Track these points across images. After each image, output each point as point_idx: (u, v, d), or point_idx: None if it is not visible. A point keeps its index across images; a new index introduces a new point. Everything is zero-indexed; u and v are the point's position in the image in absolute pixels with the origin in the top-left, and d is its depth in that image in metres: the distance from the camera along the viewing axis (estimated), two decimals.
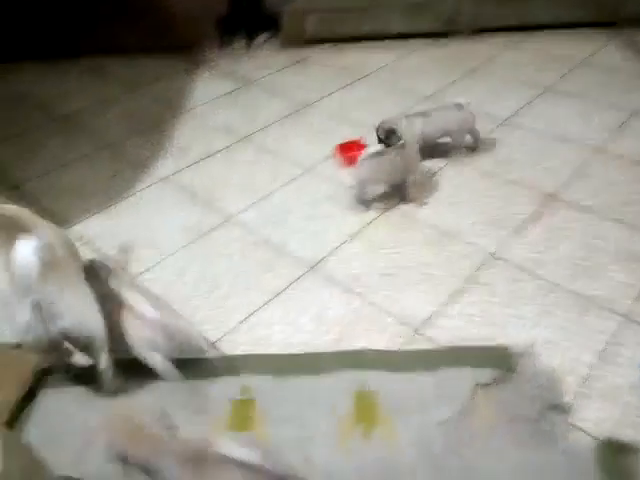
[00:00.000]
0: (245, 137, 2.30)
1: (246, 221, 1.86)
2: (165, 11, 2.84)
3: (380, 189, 1.91)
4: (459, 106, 2.02)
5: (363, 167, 1.80)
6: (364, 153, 1.81)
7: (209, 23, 2.96)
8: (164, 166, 2.14)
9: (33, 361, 1.35)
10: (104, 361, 1.28)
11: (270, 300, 1.57)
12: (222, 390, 1.32)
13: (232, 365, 1.38)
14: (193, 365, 1.38)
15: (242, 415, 1.27)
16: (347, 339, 1.44)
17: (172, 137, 2.32)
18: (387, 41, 3.01)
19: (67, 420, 1.27)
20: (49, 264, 1.16)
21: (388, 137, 1.86)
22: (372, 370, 1.35)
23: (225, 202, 1.94)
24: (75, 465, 1.17)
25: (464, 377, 1.31)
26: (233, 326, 1.49)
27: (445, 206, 1.87)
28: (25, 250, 1.15)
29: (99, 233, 1.82)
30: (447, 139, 2.07)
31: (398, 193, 1.90)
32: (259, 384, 1.33)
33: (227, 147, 2.24)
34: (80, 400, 1.31)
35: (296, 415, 1.27)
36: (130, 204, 1.95)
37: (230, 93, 2.65)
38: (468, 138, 2.09)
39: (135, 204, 1.95)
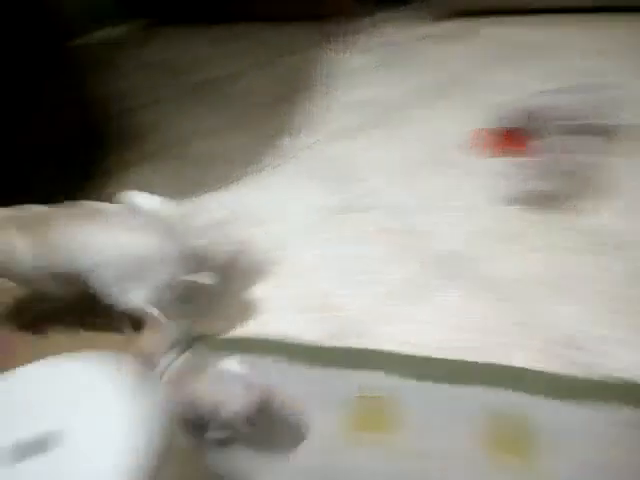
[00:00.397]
0: (391, 114, 2.18)
1: (386, 206, 1.75)
2: None
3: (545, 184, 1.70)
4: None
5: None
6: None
7: None
8: (302, 140, 2.09)
9: None
10: None
11: (411, 295, 1.46)
12: (351, 383, 1.26)
13: (361, 359, 1.31)
14: (320, 352, 1.33)
15: (371, 414, 1.20)
16: (493, 351, 1.30)
17: (312, 110, 2.26)
18: (562, 15, 2.68)
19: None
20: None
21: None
22: (523, 392, 1.20)
23: (365, 183, 1.85)
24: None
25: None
26: (367, 318, 1.41)
27: (620, 210, 1.62)
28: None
29: (235, 204, 1.82)
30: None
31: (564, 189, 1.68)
32: (392, 384, 1.25)
33: (370, 123, 2.14)
34: None
35: (431, 426, 1.18)
36: (265, 177, 1.93)
37: (377, 66, 2.53)
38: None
39: (271, 177, 1.92)
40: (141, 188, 1.87)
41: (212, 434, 1.08)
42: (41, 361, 0.99)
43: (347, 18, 2.87)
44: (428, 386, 1.25)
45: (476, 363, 1.27)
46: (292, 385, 1.26)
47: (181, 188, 1.89)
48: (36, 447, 0.83)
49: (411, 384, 1.25)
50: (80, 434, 0.85)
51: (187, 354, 1.26)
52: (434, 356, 1.30)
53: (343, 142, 2.05)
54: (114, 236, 1.22)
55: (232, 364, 1.11)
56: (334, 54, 2.61)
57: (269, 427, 1.16)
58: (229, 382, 1.09)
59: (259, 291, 1.52)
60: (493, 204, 1.69)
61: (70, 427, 0.86)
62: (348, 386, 1.25)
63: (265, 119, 2.21)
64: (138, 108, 2.32)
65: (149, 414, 0.88)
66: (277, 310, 1.47)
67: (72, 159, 1.73)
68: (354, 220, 1.71)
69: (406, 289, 1.47)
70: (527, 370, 1.24)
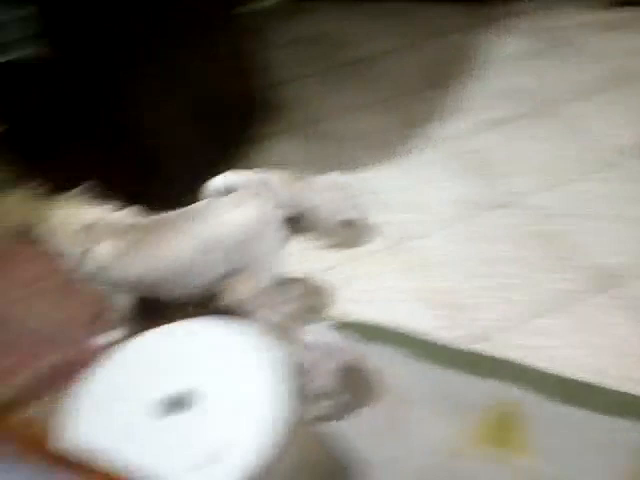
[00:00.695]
0: (545, 107, 2.00)
1: (534, 207, 1.62)
2: None
3: None
4: None
5: None
6: None
7: None
8: (452, 126, 1.98)
9: None
10: None
11: (555, 308, 1.34)
12: (483, 392, 1.18)
13: (498, 368, 1.23)
14: (453, 354, 1.27)
15: (501, 429, 1.12)
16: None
17: (465, 95, 2.14)
18: None
19: None
20: None
21: None
22: None
23: (510, 180, 1.72)
24: None
25: None
26: (506, 325, 1.32)
27: None
28: None
29: (376, 187, 1.78)
30: None
31: None
32: (527, 401, 1.16)
33: (521, 116, 1.98)
34: None
35: (561, 451, 1.08)
36: (409, 162, 1.86)
37: (534, 53, 2.33)
38: None
39: (417, 162, 1.85)
40: (278, 161, 1.91)
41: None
42: (188, 320, 1.03)
43: (507, 0, 2.68)
44: (563, 408, 1.15)
45: (623, 393, 1.14)
46: (412, 380, 1.22)
47: (318, 164, 1.89)
48: (181, 404, 0.86)
49: (545, 403, 1.16)
50: (221, 396, 0.87)
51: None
52: (576, 377, 1.19)
53: (489, 133, 1.93)
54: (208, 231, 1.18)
55: (322, 331, 1.10)
56: (489, 38, 2.45)
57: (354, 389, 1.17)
58: (320, 348, 1.09)
59: (389, 279, 1.48)
60: None
61: (211, 388, 0.89)
62: (476, 394, 1.19)
63: (411, 102, 2.14)
64: (285, 81, 2.35)
65: (287, 387, 0.88)
66: (404, 301, 1.42)
67: (220, 127, 1.78)
68: (493, 218, 1.61)
69: (550, 301, 1.36)
70: None
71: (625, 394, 1.14)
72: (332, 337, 1.11)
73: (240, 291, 1.20)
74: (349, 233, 1.47)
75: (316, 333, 1.08)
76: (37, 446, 0.67)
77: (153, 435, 0.83)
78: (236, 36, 1.76)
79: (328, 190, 1.37)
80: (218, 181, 1.24)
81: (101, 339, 1.28)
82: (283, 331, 1.13)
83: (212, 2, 1.62)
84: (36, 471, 0.39)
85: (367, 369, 1.24)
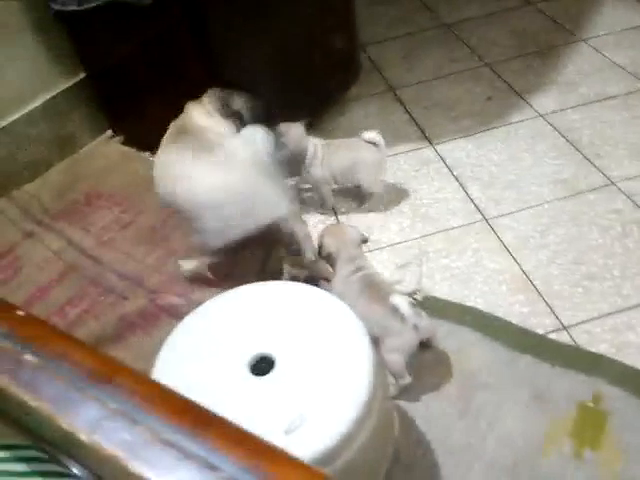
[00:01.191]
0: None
1: (633, 193, 1.51)
2: None
3: None
4: None
5: None
6: None
7: None
8: (545, 101, 1.87)
9: None
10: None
11: None
12: (569, 385, 1.13)
13: (586, 362, 1.17)
14: (537, 342, 1.22)
15: (589, 426, 1.07)
16: None
17: (561, 68, 2.00)
18: None
19: None
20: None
21: None
22: None
23: (611, 161, 1.61)
24: (403, 392, 1.16)
25: None
26: (594, 316, 1.25)
27: None
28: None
29: (462, 159, 1.71)
30: None
31: None
32: (617, 399, 1.10)
33: (628, 94, 1.84)
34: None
35: None
36: (500, 135, 1.77)
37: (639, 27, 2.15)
38: None
39: (505, 137, 1.76)
40: (359, 125, 1.86)
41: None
42: (280, 282, 1.04)
43: None
44: None
45: None
46: (489, 364, 1.19)
47: (399, 131, 1.84)
48: (268, 365, 0.87)
49: (631, 400, 1.10)
50: (308, 361, 0.88)
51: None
52: None
53: (586, 110, 1.80)
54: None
55: (403, 302, 1.08)
56: (594, 6, 2.27)
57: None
58: (400, 316, 1.07)
59: (470, 257, 1.43)
60: None
61: (299, 352, 0.89)
62: (558, 385, 1.14)
63: (501, 72, 2.02)
64: (369, 43, 2.28)
65: (374, 358, 0.87)
66: (484, 282, 1.37)
67: (303, 83, 1.75)
68: (586, 203, 1.51)
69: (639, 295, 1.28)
70: None
71: None
72: (415, 311, 1.09)
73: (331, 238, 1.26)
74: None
75: (403, 305, 1.05)
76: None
77: (239, 395, 0.84)
78: None
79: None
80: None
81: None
82: (366, 299, 1.12)
83: None
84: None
85: (441, 349, 1.22)
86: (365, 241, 1.31)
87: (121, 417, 0.40)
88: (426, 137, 1.81)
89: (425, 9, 2.49)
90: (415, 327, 1.08)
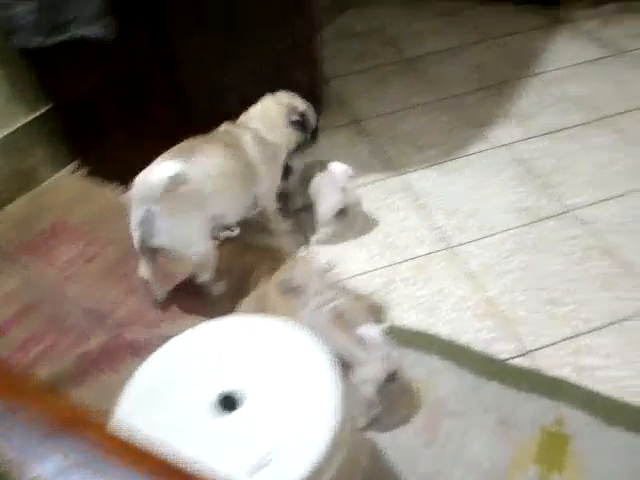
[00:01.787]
0: (605, 117, 1.94)
1: (590, 220, 1.57)
2: None
3: None
4: None
5: None
6: None
7: None
8: (503, 132, 1.94)
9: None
10: (205, 276, 1.37)
11: (609, 325, 1.30)
12: (533, 410, 1.15)
13: (549, 386, 1.19)
14: (502, 367, 1.24)
15: (552, 450, 1.09)
16: None
17: (517, 100, 2.09)
18: None
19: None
20: (176, 191, 1.21)
21: None
22: None
23: (563, 190, 1.68)
24: (371, 424, 1.16)
25: None
26: (556, 340, 1.29)
27: None
28: (163, 170, 1.22)
29: (427, 189, 1.75)
30: None
31: None
32: (579, 422, 1.12)
33: (580, 125, 1.93)
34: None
35: (616, 475, 1.05)
36: (463, 165, 1.82)
37: (593, 61, 2.26)
38: None
39: (468, 167, 1.81)
40: (324, 157, 1.90)
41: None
42: (242, 315, 1.04)
43: (579, 4, 2.60)
44: (610, 430, 1.11)
45: None
46: (455, 392, 1.20)
47: (364, 162, 1.88)
48: (234, 401, 0.86)
49: (593, 424, 1.13)
50: (274, 395, 0.87)
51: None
52: (621, 399, 1.16)
53: (542, 140, 1.88)
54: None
55: (373, 332, 1.10)
56: (550, 42, 2.39)
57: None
58: (369, 347, 1.09)
59: (434, 285, 1.46)
60: None
61: (265, 387, 0.88)
62: (522, 410, 1.16)
63: (461, 105, 2.10)
64: (334, 76, 2.33)
65: (341, 389, 0.87)
66: (449, 309, 1.40)
67: None
68: (545, 230, 1.56)
69: (600, 318, 1.32)
70: None
71: None
72: (384, 342, 1.10)
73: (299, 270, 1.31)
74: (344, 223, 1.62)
75: (370, 336, 1.07)
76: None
77: (205, 434, 0.83)
78: (298, 24, 1.75)
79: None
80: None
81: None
82: (336, 330, 1.13)
83: None
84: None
85: (408, 378, 1.22)
86: (331, 271, 1.32)
87: (83, 469, 0.39)
88: (392, 167, 1.86)
89: (388, 44, 2.57)
90: (384, 357, 1.09)
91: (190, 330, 0.98)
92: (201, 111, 1.56)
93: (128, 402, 0.88)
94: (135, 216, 1.24)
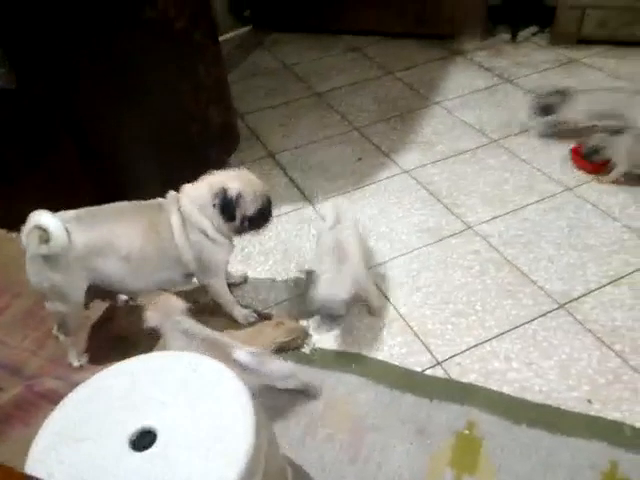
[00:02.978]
0: (498, 140, 2.13)
1: (489, 234, 1.71)
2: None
3: None
4: None
5: None
6: None
7: (477, 12, 2.79)
8: (408, 158, 2.08)
9: (276, 332, 1.41)
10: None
11: (509, 331, 1.41)
12: (446, 417, 1.23)
13: (459, 392, 1.28)
14: (416, 379, 1.32)
15: (466, 453, 1.16)
16: (598, 403, 1.23)
17: (419, 128, 2.24)
18: None
19: (294, 398, 1.30)
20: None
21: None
22: (628, 451, 1.13)
23: (468, 209, 1.82)
24: (296, 448, 1.19)
25: None
26: (463, 349, 1.38)
27: None
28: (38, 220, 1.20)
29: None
30: None
31: None
32: (488, 423, 1.21)
33: (476, 148, 2.10)
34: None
35: (527, 475, 1.13)
36: (371, 191, 1.93)
37: (486, 89, 2.47)
38: None
39: (376, 193, 1.92)
40: None
41: None
42: (154, 354, 1.04)
43: (468, 38, 2.84)
44: (520, 429, 1.20)
45: (582, 415, 1.21)
46: (374, 407, 1.26)
47: (280, 193, 1.94)
48: (148, 439, 0.86)
49: (503, 424, 1.21)
50: (188, 431, 0.89)
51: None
52: (527, 398, 1.25)
53: (444, 164, 2.03)
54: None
55: (243, 355, 1.17)
56: (449, 73, 2.59)
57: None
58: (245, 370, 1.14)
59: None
60: (604, 242, 1.61)
61: (178, 423, 0.90)
62: (437, 418, 1.23)
63: (369, 134, 2.23)
64: (247, 112, 2.41)
65: (255, 419, 0.90)
66: (367, 328, 1.46)
67: (181, 154, 1.81)
68: (450, 246, 1.68)
69: (503, 325, 1.43)
70: (633, 428, 1.17)
71: (593, 418, 1.20)
72: (260, 360, 1.15)
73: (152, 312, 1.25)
74: None
75: (243, 358, 1.12)
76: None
77: (121, 472, 0.83)
78: (200, 66, 1.81)
79: None
80: None
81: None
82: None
83: (180, 33, 1.67)
84: None
85: (331, 399, 1.27)
86: (188, 309, 1.26)
87: None
88: (305, 197, 1.93)
89: (298, 80, 2.69)
90: (258, 373, 1.16)
91: (102, 371, 0.98)
92: (106, 161, 1.57)
93: (42, 444, 0.86)
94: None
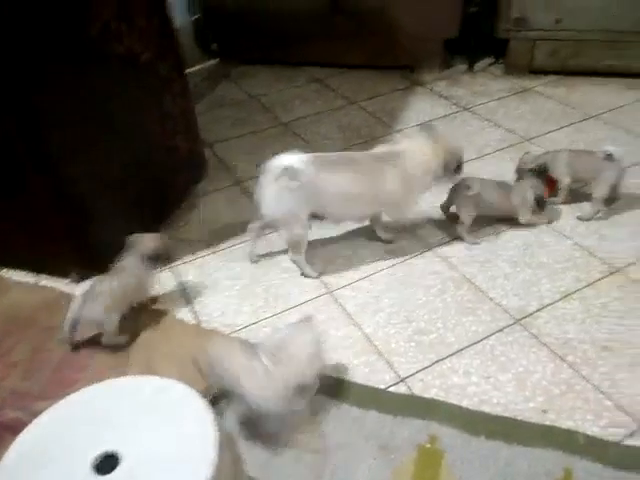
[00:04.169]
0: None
1: (448, 255, 1.78)
2: (394, 32, 2.87)
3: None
4: (609, 156, 1.78)
5: None
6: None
7: (434, 45, 2.93)
8: None
9: None
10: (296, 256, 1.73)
11: (468, 347, 1.47)
12: (409, 432, 1.27)
13: (421, 408, 1.32)
14: (379, 396, 1.35)
15: (427, 466, 1.20)
16: (552, 413, 1.28)
17: None
18: (627, 79, 2.69)
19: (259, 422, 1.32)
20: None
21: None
22: (581, 458, 1.18)
23: (427, 232, 1.89)
24: (263, 468, 1.20)
25: None
26: (426, 365, 1.43)
27: None
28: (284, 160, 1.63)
29: None
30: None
31: None
32: (449, 437, 1.25)
33: None
34: None
35: None
36: None
37: (443, 117, 2.59)
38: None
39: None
40: (208, 219, 1.99)
41: None
42: (119, 379, 1.06)
43: (427, 69, 2.97)
44: (479, 441, 1.24)
45: (537, 425, 1.26)
46: (339, 426, 1.29)
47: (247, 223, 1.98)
48: (113, 463, 0.88)
49: (463, 437, 1.25)
50: (153, 454, 0.90)
51: None
52: (485, 411, 1.30)
53: None
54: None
55: None
56: (410, 102, 2.70)
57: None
58: None
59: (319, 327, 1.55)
60: (557, 260, 1.69)
61: (143, 446, 0.91)
62: (399, 434, 1.26)
63: None
64: (214, 142, 2.47)
65: (218, 443, 0.92)
66: (330, 349, 1.49)
67: (150, 185, 1.84)
68: (411, 267, 1.74)
69: (462, 341, 1.48)
70: (587, 436, 1.22)
71: (548, 427, 1.25)
72: None
73: None
74: None
75: None
76: None
77: None
78: (166, 97, 1.86)
79: None
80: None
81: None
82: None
83: (146, 67, 1.73)
84: None
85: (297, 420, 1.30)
86: None
87: None
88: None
89: (264, 110, 2.77)
90: None
91: (66, 399, 0.99)
92: (76, 198, 1.59)
93: (5, 473, 0.87)
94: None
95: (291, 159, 1.60)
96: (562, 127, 2.42)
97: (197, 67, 3.22)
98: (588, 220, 1.85)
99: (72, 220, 1.59)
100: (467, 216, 1.79)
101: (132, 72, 1.71)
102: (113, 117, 1.65)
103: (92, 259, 1.63)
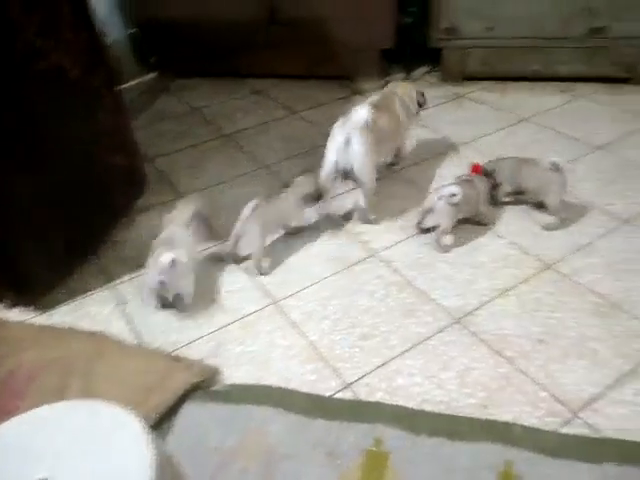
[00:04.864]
0: (399, 170, 2.27)
1: (391, 260, 1.81)
2: (332, 43, 2.91)
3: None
4: (555, 166, 1.85)
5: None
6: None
7: (372, 54, 2.99)
8: None
9: (187, 375, 1.41)
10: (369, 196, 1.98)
11: (411, 348, 1.50)
12: (355, 436, 1.28)
13: (366, 412, 1.33)
14: (325, 404, 1.36)
15: (373, 469, 1.21)
16: (493, 407, 1.33)
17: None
18: (555, 83, 2.83)
19: (205, 438, 1.30)
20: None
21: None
22: (520, 449, 1.23)
23: (369, 237, 1.92)
24: None
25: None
26: (370, 370, 1.45)
27: (615, 273, 1.68)
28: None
29: None
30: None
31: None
32: (393, 438, 1.27)
33: (382, 179, 2.22)
34: (219, 419, 1.34)
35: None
36: None
37: None
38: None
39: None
40: (150, 235, 1.95)
41: None
42: (54, 405, 1.02)
43: (365, 78, 3.02)
44: (423, 439, 1.27)
45: (476, 420, 1.30)
46: (286, 436, 1.28)
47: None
48: None
49: (408, 437, 1.27)
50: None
51: None
52: (427, 409, 1.33)
53: (349, 198, 2.13)
54: None
55: None
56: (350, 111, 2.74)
57: None
58: None
59: (264, 340, 1.55)
60: (494, 259, 1.76)
61: (79, 474, 0.88)
62: (346, 439, 1.27)
63: (274, 173, 2.31)
64: (156, 156, 2.44)
65: (162, 463, 0.91)
66: (279, 359, 1.50)
67: (91, 201, 1.80)
68: (355, 274, 1.76)
69: (405, 343, 1.51)
70: (523, 427, 1.27)
71: (487, 421, 1.29)
72: None
73: None
74: None
75: None
76: None
77: None
78: (100, 113, 1.82)
79: None
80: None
81: None
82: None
83: (76, 82, 1.69)
84: None
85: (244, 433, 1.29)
86: None
87: None
88: (216, 238, 1.95)
89: (205, 123, 2.75)
90: None
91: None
92: (5, 218, 1.53)
93: None
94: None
95: (364, 112, 1.86)
96: (496, 130, 2.51)
97: (136, 81, 3.17)
98: (555, 230, 1.88)
99: (1, 242, 1.53)
100: (450, 222, 1.82)
101: (63, 88, 1.66)
102: (45, 135, 1.60)
103: (24, 282, 1.57)
